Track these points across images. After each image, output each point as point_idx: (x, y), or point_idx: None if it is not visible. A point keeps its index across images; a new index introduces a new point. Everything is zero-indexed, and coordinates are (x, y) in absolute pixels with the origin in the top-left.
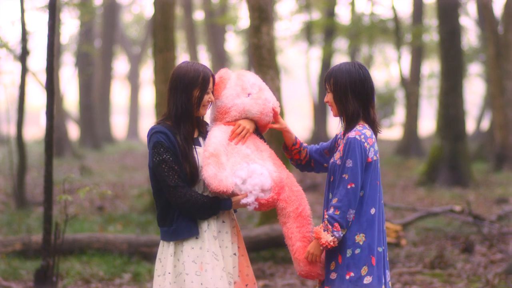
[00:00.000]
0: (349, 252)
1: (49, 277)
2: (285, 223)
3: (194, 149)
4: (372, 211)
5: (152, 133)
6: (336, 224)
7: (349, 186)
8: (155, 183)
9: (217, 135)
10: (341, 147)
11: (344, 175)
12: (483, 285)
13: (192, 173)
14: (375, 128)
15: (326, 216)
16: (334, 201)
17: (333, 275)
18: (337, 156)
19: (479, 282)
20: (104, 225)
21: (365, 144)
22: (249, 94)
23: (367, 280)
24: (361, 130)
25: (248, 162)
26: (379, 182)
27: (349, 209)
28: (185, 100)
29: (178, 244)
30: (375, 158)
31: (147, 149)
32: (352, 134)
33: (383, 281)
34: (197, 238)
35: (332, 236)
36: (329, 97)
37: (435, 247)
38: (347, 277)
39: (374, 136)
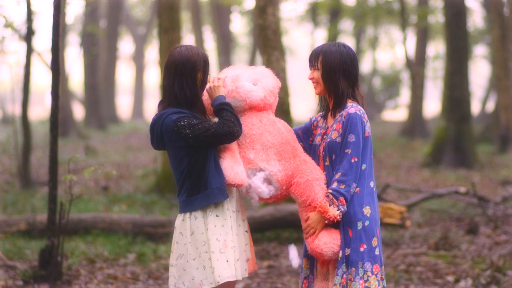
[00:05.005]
0: (359, 225)
1: (53, 256)
2: (299, 207)
3: None
4: (371, 184)
5: (164, 118)
6: (342, 198)
7: (353, 160)
8: (189, 159)
9: None
10: (337, 126)
11: (347, 150)
12: (487, 266)
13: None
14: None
15: (330, 191)
16: (338, 175)
17: (347, 251)
18: (334, 134)
19: (484, 264)
20: (109, 205)
21: (363, 119)
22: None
23: (377, 251)
24: (358, 106)
25: (251, 170)
26: (372, 156)
27: (353, 183)
28: (192, 85)
29: (205, 222)
30: (370, 133)
31: (151, 143)
32: (352, 110)
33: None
34: (217, 216)
35: (338, 210)
36: (315, 74)
37: (439, 228)
38: (361, 249)
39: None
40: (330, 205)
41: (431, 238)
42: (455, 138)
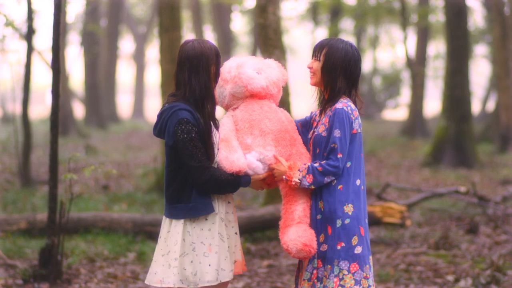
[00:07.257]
0: (339, 223)
1: (54, 255)
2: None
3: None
4: (358, 182)
5: (175, 110)
6: (311, 176)
7: (339, 156)
8: (173, 161)
9: (225, 122)
10: (325, 120)
11: (333, 145)
12: (487, 266)
13: (211, 151)
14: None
15: (309, 164)
16: (324, 162)
17: (324, 247)
18: (321, 128)
19: (484, 263)
20: (109, 204)
21: (351, 116)
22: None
23: (358, 250)
24: (347, 102)
25: (247, 155)
26: (362, 155)
27: (331, 176)
28: (206, 79)
29: (186, 224)
30: (359, 130)
31: (153, 128)
32: (339, 105)
33: (370, 252)
34: (206, 219)
35: (298, 178)
36: (314, 65)
37: (440, 228)
38: (338, 247)
39: (357, 109)
40: (298, 170)
41: (431, 238)
42: (456, 138)
